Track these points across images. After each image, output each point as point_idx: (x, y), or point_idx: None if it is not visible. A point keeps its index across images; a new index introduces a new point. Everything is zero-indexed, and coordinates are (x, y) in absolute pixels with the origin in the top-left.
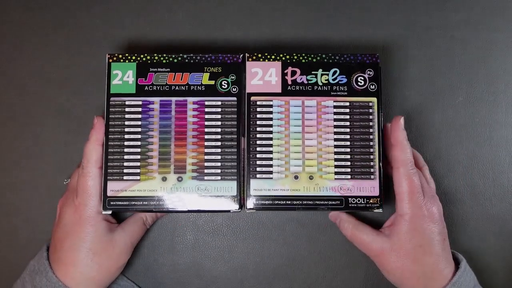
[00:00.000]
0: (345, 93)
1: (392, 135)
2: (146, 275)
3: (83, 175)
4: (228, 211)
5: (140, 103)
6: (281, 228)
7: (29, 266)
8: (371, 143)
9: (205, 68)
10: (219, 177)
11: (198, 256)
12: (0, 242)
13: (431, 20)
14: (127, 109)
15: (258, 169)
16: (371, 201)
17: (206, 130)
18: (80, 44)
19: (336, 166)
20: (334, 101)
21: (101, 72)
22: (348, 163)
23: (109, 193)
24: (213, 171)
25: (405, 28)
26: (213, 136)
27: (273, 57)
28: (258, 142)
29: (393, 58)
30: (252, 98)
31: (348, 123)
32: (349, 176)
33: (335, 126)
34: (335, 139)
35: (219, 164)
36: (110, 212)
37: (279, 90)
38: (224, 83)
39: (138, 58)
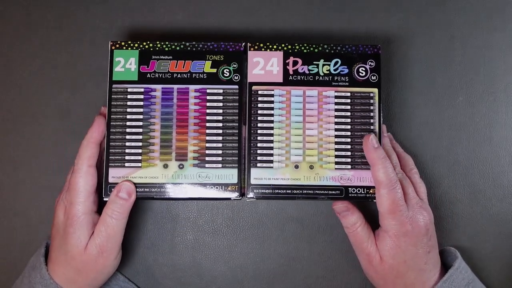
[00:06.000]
0: (346, 84)
1: (367, 156)
2: (146, 275)
3: (74, 172)
4: (229, 198)
5: (142, 90)
6: (281, 228)
7: (30, 261)
8: None
9: (207, 56)
10: (220, 165)
11: (198, 256)
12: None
13: (431, 20)
14: (129, 96)
15: (258, 158)
16: (371, 191)
17: (208, 118)
18: (80, 43)
19: (336, 156)
20: (335, 91)
21: (102, 72)
22: (349, 153)
23: (110, 180)
24: (214, 158)
25: (405, 28)
26: (215, 124)
27: (274, 47)
28: (259, 131)
29: (393, 58)
30: (254, 87)
31: (349, 113)
32: (349, 166)
33: (336, 116)
34: (336, 129)
35: (220, 152)
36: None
37: (280, 80)
38: (226, 71)
39: (141, 46)
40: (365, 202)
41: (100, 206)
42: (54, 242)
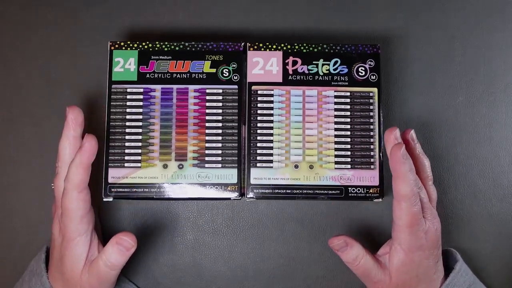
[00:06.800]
0: (346, 83)
1: (392, 166)
2: (146, 275)
3: (64, 195)
4: (229, 198)
5: (141, 90)
6: (281, 228)
7: (30, 265)
8: (372, 133)
9: (207, 56)
10: (219, 165)
11: (198, 256)
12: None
13: (431, 20)
14: (128, 97)
15: (258, 158)
16: (370, 191)
17: (207, 118)
18: (80, 43)
19: (336, 156)
20: (335, 91)
21: (102, 71)
22: (348, 153)
23: (110, 180)
24: (214, 158)
25: (405, 28)
26: (214, 124)
27: (274, 46)
28: (258, 131)
29: (393, 58)
30: (253, 87)
31: (348, 113)
32: (349, 166)
33: (336, 116)
34: (336, 129)
35: (219, 152)
36: (111, 199)
37: (280, 80)
38: (225, 71)
39: (140, 46)
40: (363, 203)
41: (101, 205)
42: (53, 256)
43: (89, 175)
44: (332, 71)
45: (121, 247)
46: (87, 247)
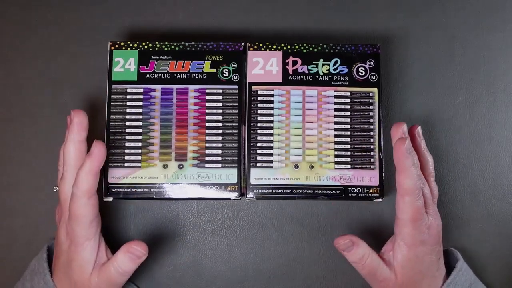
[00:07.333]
0: (346, 83)
1: (396, 159)
2: (146, 275)
3: (73, 200)
4: (229, 198)
5: (141, 90)
6: (281, 228)
7: (30, 265)
8: (372, 133)
9: (207, 56)
10: (219, 165)
11: (198, 256)
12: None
13: (431, 20)
14: (128, 97)
15: (258, 158)
16: (371, 191)
17: (207, 118)
18: (80, 43)
19: (336, 156)
20: (335, 91)
21: (103, 71)
22: (349, 153)
23: (110, 180)
24: (214, 158)
25: (405, 28)
26: (214, 124)
27: (274, 46)
28: (258, 131)
29: (393, 58)
30: (253, 87)
31: (348, 113)
32: (349, 166)
33: (336, 116)
34: (336, 129)
35: (219, 152)
36: (111, 199)
37: (280, 80)
38: (225, 71)
39: (140, 46)
40: (363, 203)
41: (101, 205)
42: (59, 260)
43: (98, 181)
44: (332, 71)
45: (132, 256)
46: (95, 251)
